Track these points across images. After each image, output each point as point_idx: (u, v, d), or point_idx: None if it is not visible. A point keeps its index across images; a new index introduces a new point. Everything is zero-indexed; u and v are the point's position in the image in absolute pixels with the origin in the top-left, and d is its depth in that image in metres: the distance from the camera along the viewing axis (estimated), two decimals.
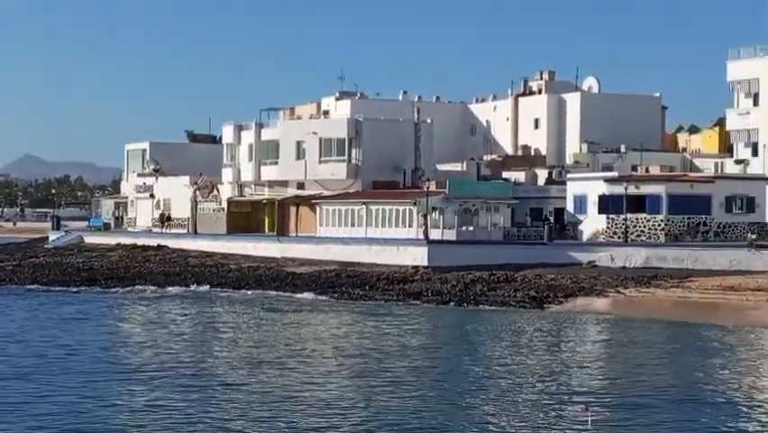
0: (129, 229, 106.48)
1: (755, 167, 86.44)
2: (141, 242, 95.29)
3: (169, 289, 74.17)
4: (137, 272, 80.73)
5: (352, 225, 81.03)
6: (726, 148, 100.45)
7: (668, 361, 43.60)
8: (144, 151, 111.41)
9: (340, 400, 34.56)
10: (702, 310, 57.40)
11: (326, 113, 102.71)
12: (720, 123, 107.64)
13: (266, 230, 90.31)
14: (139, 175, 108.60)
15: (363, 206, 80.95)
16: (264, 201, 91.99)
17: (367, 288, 69.67)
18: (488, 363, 42.62)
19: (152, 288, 74.78)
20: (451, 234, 75.81)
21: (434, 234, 75.49)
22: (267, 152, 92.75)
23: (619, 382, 38.41)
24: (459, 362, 42.97)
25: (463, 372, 40.42)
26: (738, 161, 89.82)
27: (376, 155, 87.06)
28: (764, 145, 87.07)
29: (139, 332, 52.73)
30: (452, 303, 64.78)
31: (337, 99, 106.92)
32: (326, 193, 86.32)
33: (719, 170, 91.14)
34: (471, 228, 76.63)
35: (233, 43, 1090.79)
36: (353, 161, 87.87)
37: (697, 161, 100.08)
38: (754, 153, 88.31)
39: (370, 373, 39.64)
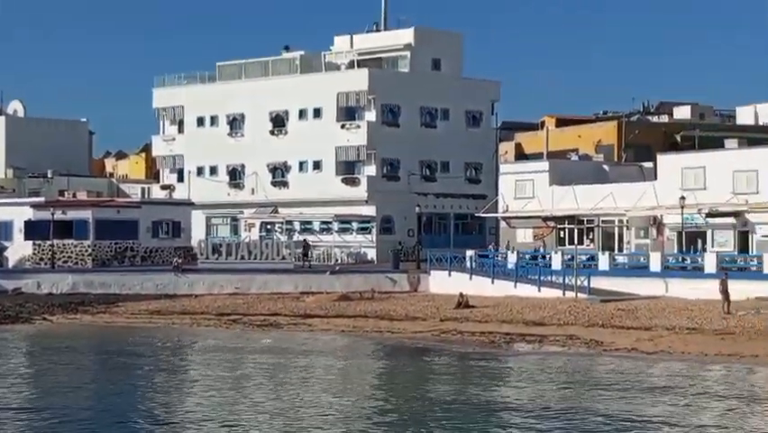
0: None
1: (181, 192, 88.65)
2: None
3: None
4: None
5: None
6: (153, 174, 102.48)
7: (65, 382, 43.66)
8: None
9: None
10: (128, 333, 57.84)
11: None
12: (147, 149, 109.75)
13: None
14: None
15: None
16: None
17: None
18: None
19: None
20: None
21: None
22: None
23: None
24: None
25: None
26: (164, 187, 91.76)
27: None
28: (189, 171, 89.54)
29: None
30: None
31: None
32: None
33: (146, 196, 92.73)
34: None
35: None
36: None
37: (124, 187, 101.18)
38: (180, 179, 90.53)
39: None
